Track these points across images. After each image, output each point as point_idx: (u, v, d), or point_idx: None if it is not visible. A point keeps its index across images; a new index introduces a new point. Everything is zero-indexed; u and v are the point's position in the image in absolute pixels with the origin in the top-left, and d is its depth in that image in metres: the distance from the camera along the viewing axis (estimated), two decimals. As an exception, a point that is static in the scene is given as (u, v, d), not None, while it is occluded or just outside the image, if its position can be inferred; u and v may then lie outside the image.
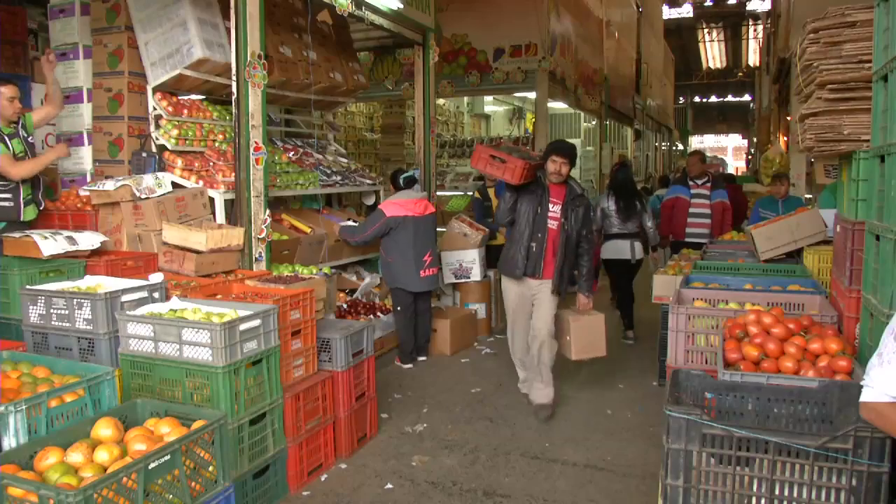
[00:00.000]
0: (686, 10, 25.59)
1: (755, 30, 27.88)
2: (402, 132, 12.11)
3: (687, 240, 6.52)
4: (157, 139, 4.77)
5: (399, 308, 5.54)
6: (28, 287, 3.32)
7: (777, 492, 1.99)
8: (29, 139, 4.23)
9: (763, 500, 2.01)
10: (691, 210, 6.55)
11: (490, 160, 4.23)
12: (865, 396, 1.83)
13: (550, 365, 4.45)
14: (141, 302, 3.25)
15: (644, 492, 3.40)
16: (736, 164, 37.03)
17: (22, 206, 4.14)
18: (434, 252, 5.61)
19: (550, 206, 4.33)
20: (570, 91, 11.48)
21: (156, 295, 3.35)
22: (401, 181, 5.68)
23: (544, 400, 4.43)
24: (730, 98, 37.49)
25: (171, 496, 2.12)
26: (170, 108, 4.79)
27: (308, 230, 5.43)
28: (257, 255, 4.41)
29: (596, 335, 4.44)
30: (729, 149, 46.73)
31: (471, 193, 9.13)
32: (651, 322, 6.44)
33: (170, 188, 4.42)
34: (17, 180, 4.05)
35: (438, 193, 8.25)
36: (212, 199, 4.59)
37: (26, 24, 5.31)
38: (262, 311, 3.07)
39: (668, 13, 25.40)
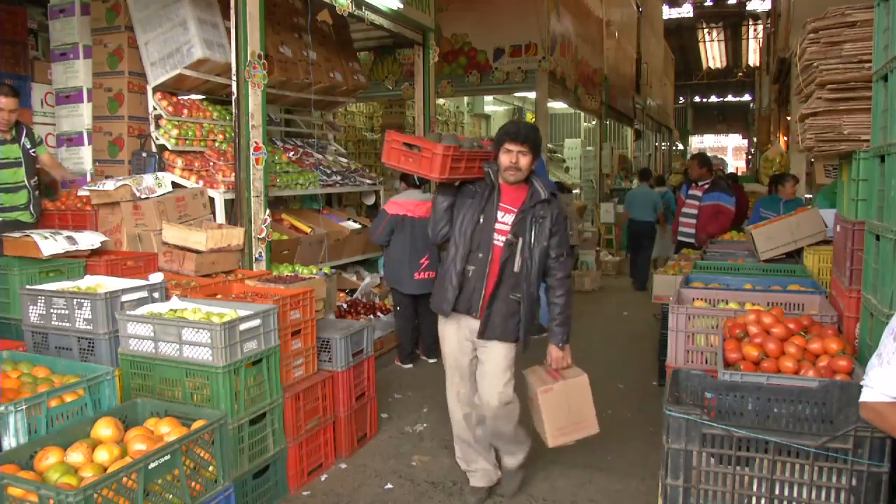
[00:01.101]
0: (686, 10, 25.59)
1: (755, 30, 27.87)
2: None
3: (679, 238, 6.73)
4: (157, 139, 4.77)
5: (398, 308, 5.52)
6: (28, 287, 3.32)
7: (777, 492, 1.99)
8: (31, 151, 4.33)
9: (763, 500, 2.01)
10: (682, 210, 6.75)
11: (403, 150, 3.05)
12: (865, 396, 1.84)
13: (515, 434, 3.23)
14: (141, 302, 3.25)
15: (644, 492, 3.40)
16: (736, 164, 37.04)
17: None
18: (434, 255, 5.42)
19: (500, 214, 3.04)
20: (570, 91, 11.49)
21: (156, 295, 3.35)
22: (415, 178, 5.62)
23: (512, 465, 3.34)
24: (730, 98, 37.48)
25: (171, 496, 2.12)
26: (170, 108, 4.79)
27: (308, 230, 5.43)
28: (257, 255, 4.41)
29: (578, 405, 3.07)
30: (729, 149, 46.72)
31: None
32: (651, 322, 6.44)
33: (170, 188, 4.43)
34: None
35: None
36: (212, 199, 4.59)
37: (26, 24, 5.31)
38: (262, 311, 3.07)
39: (668, 13, 25.40)
